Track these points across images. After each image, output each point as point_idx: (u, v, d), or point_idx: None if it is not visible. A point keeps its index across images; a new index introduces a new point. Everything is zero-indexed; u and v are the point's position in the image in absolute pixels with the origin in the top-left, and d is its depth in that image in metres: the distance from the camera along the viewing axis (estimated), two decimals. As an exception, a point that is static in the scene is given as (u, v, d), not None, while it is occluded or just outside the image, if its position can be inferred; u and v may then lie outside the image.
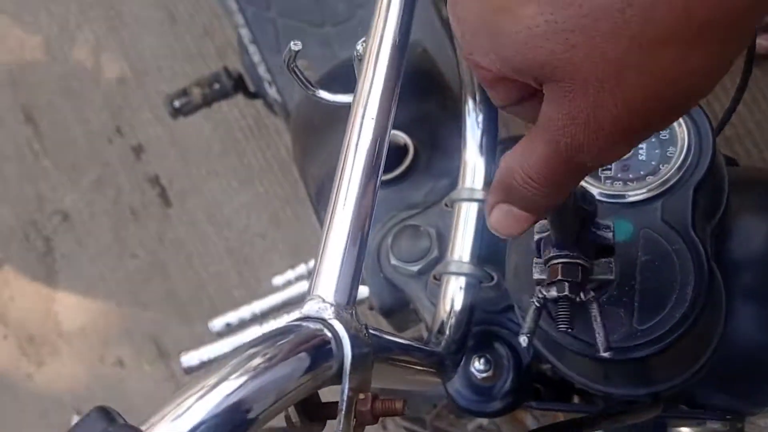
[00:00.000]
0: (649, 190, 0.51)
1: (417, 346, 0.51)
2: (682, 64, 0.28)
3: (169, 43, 1.86)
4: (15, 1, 1.96)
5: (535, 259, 0.44)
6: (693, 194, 0.50)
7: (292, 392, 0.31)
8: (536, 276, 0.43)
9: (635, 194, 0.51)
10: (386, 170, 0.74)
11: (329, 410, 0.34)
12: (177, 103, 1.35)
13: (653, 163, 0.52)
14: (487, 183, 0.63)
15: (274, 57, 1.15)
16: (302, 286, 1.14)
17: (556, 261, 0.41)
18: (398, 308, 0.71)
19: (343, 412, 0.32)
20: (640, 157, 0.53)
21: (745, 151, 1.40)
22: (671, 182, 0.50)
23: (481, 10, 0.30)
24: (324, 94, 0.44)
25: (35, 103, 1.96)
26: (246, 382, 0.29)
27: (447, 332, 0.57)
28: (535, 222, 0.37)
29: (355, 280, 0.35)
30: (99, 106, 1.91)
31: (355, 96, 0.37)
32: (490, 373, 0.61)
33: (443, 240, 0.65)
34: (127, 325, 1.90)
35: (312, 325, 0.33)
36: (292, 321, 0.33)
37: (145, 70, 1.87)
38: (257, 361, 0.30)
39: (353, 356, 0.33)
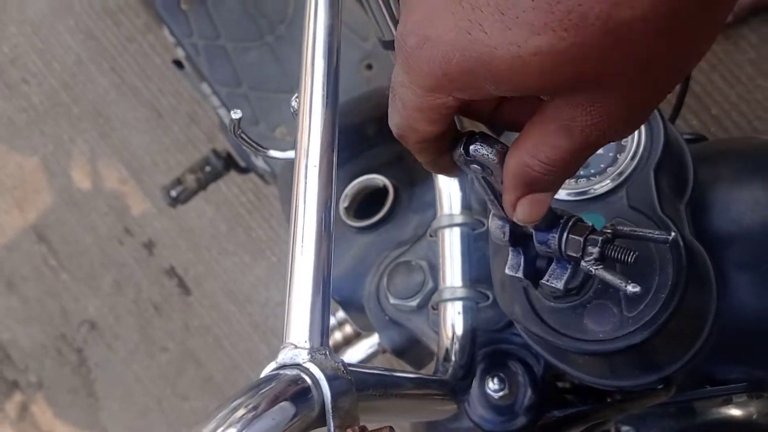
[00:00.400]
0: (612, 180, 0.52)
1: (423, 377, 0.51)
2: (695, 41, 0.30)
3: (159, 137, 1.91)
4: (8, 128, 2.03)
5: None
6: (654, 176, 0.51)
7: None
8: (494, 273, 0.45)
9: (600, 187, 0.52)
10: (370, 214, 0.76)
11: (323, 452, 0.34)
12: (174, 193, 1.38)
13: (611, 154, 0.53)
14: (465, 206, 0.65)
15: (254, 129, 1.18)
16: (336, 337, 1.15)
17: (579, 234, 0.43)
18: (409, 346, 0.72)
19: (333, 450, 0.33)
20: (598, 152, 0.54)
21: (735, 125, 1.40)
22: (630, 169, 0.51)
23: (475, 50, 0.30)
24: (274, 153, 0.46)
25: (44, 221, 2.01)
26: (232, 438, 0.30)
27: (453, 358, 0.58)
28: (554, 196, 0.38)
29: (325, 321, 0.36)
30: (104, 211, 1.95)
31: (296, 148, 0.39)
32: (506, 391, 0.61)
33: (435, 270, 0.66)
34: (171, 419, 1.90)
35: (289, 372, 0.34)
36: (269, 372, 0.34)
37: (142, 168, 1.92)
38: (241, 412, 0.31)
39: (333, 394, 0.34)
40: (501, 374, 0.62)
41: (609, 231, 0.44)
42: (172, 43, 1.26)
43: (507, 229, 0.45)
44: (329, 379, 0.34)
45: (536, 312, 0.51)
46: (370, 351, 0.93)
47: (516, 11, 0.28)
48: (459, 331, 0.59)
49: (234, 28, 1.20)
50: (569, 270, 0.46)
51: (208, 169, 1.38)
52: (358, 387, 0.37)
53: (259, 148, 0.46)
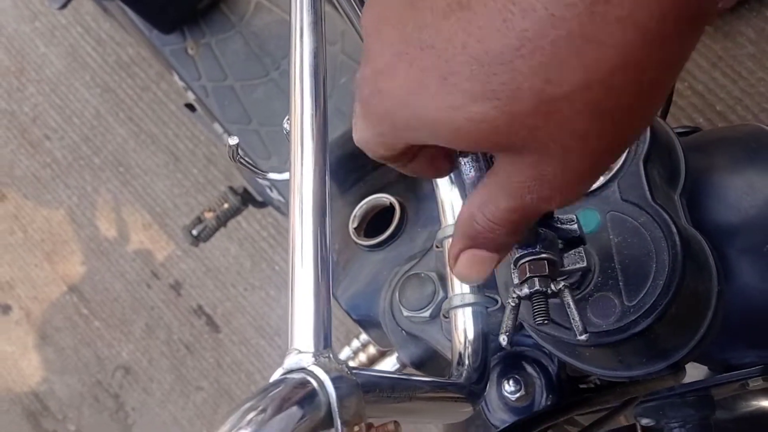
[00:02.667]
0: (603, 176, 0.53)
1: (437, 380, 0.53)
2: (636, 117, 0.31)
3: (179, 180, 1.96)
4: (34, 184, 2.09)
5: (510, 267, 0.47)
6: (644, 167, 0.52)
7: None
8: (513, 280, 0.45)
9: (592, 183, 0.53)
10: (378, 232, 0.78)
11: (333, 450, 0.36)
12: (195, 232, 1.42)
13: (601, 150, 0.55)
14: (468, 215, 0.67)
15: (267, 163, 1.21)
16: (361, 359, 1.16)
17: (522, 260, 0.44)
18: (427, 358, 0.73)
19: (342, 447, 0.35)
20: (588, 149, 0.56)
21: (740, 119, 1.41)
22: (620, 163, 0.53)
23: (418, 108, 0.31)
24: (272, 175, 0.48)
25: (74, 272, 2.06)
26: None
27: (467, 362, 0.59)
28: (500, 261, 0.39)
29: (327, 325, 0.38)
30: (131, 257, 2.00)
31: (291, 164, 0.42)
32: (523, 392, 0.62)
33: (445, 280, 0.68)
34: (209, 457, 1.92)
35: (295, 376, 0.36)
36: (276, 377, 0.36)
37: (164, 212, 1.97)
38: (251, 415, 0.33)
39: (338, 394, 0.35)
40: (516, 376, 0.63)
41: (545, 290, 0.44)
42: (182, 87, 1.30)
43: None
44: (334, 381, 0.36)
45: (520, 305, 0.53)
46: (394, 368, 0.95)
47: (456, 78, 0.30)
48: (471, 335, 0.60)
49: (240, 68, 1.24)
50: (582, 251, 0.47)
51: (225, 206, 1.42)
52: (365, 389, 0.39)
53: (258, 171, 0.48)
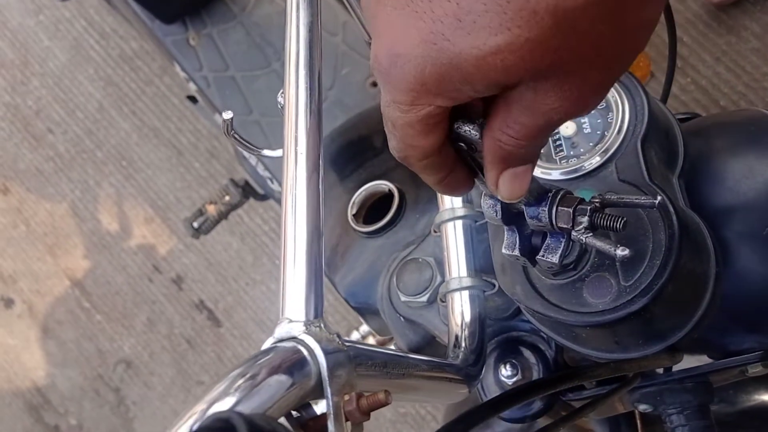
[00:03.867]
0: (600, 156, 0.53)
1: (433, 360, 0.52)
2: (640, 17, 0.32)
3: (181, 174, 1.96)
4: (37, 177, 2.10)
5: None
6: (641, 148, 0.52)
7: (275, 409, 0.33)
8: (495, 256, 0.45)
9: (589, 164, 0.53)
10: (377, 219, 0.78)
11: (324, 419, 0.36)
12: (196, 224, 1.42)
13: (598, 132, 0.55)
14: (466, 200, 0.66)
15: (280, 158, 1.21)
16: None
17: (561, 199, 0.44)
18: (424, 344, 0.73)
19: (331, 416, 0.35)
20: (586, 131, 0.55)
21: (745, 113, 1.40)
22: (617, 143, 0.52)
23: (442, 58, 0.32)
24: (267, 152, 0.48)
25: (76, 265, 2.06)
26: (232, 405, 0.32)
27: (464, 344, 0.59)
28: (534, 167, 0.40)
29: (318, 295, 0.37)
30: (133, 250, 2.00)
31: (284, 138, 0.41)
32: (519, 377, 0.62)
33: (442, 265, 0.67)
34: (209, 451, 1.92)
35: (285, 345, 0.36)
36: (267, 346, 0.36)
37: (166, 206, 1.97)
38: (240, 382, 0.33)
39: (329, 364, 0.35)
40: (513, 360, 0.63)
41: (597, 200, 0.45)
42: (184, 78, 1.30)
43: (498, 207, 0.46)
44: (325, 350, 0.36)
45: (537, 290, 0.52)
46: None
47: (472, 17, 0.31)
48: (468, 318, 0.60)
49: (242, 59, 1.24)
50: (563, 243, 0.47)
51: (227, 198, 1.41)
52: (357, 362, 0.38)
53: (252, 147, 0.48)
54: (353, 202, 0.79)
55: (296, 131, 0.41)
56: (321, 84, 0.43)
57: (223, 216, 1.44)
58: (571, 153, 0.55)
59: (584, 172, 0.53)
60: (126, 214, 2.01)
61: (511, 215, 0.47)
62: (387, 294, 0.72)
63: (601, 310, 0.49)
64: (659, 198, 0.45)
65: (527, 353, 0.64)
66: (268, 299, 1.88)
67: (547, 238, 0.48)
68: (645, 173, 0.51)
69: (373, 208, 0.81)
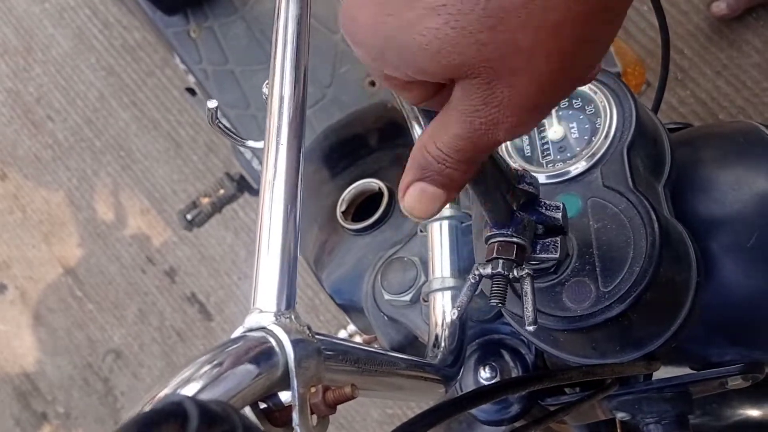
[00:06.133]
0: (586, 161, 0.53)
1: (410, 358, 0.52)
2: (580, 38, 0.31)
3: (179, 167, 1.96)
4: (34, 164, 2.10)
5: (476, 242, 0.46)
6: (627, 155, 0.52)
7: (239, 397, 0.33)
8: (477, 256, 0.45)
9: (575, 168, 0.53)
10: (365, 216, 0.78)
11: (289, 411, 0.36)
12: (189, 216, 1.41)
13: (585, 137, 0.55)
14: (453, 200, 0.66)
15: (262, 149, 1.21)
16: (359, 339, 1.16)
17: (492, 240, 0.43)
18: (407, 342, 0.73)
19: (297, 407, 0.35)
20: (573, 135, 0.55)
21: (742, 128, 1.40)
22: (603, 149, 0.52)
23: (383, 30, 0.32)
24: (250, 143, 0.48)
25: (70, 254, 2.06)
26: (196, 392, 0.32)
27: (443, 344, 0.59)
28: (447, 202, 0.39)
29: (291, 287, 0.37)
30: (127, 241, 2.00)
31: (267, 129, 0.41)
32: (498, 379, 0.62)
33: (428, 265, 0.67)
34: (195, 445, 1.91)
35: (254, 335, 0.36)
36: (236, 335, 0.36)
37: (163, 198, 1.97)
38: (205, 369, 0.33)
39: (297, 355, 0.35)
40: (493, 363, 0.62)
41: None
42: (183, 70, 1.30)
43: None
44: (294, 341, 0.35)
45: (517, 293, 0.52)
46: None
47: None
48: (449, 318, 0.60)
49: (241, 53, 1.24)
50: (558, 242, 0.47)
51: (221, 192, 1.42)
52: (328, 355, 0.38)
53: (236, 137, 0.48)
54: (343, 199, 0.79)
55: (279, 122, 0.41)
56: (307, 77, 0.43)
57: (216, 209, 1.44)
58: (558, 157, 0.55)
59: (570, 176, 0.53)
60: (122, 205, 2.01)
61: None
62: (371, 292, 0.72)
63: (579, 315, 0.49)
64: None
65: (507, 356, 0.63)
66: (260, 295, 1.88)
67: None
68: (629, 180, 0.51)
69: (363, 207, 0.80)
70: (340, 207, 0.80)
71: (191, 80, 1.30)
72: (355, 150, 0.90)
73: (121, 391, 2.01)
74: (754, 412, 0.89)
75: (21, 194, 2.12)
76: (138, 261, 1.99)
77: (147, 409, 0.25)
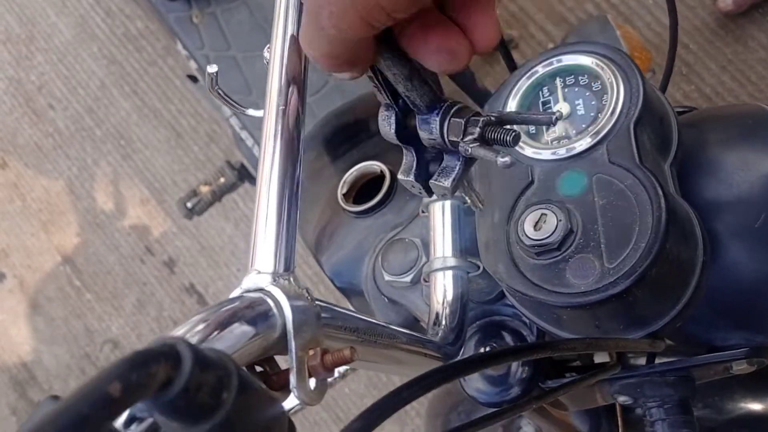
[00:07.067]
0: (591, 137, 0.52)
1: (410, 333, 0.51)
2: None
3: (179, 157, 1.95)
4: (35, 153, 2.09)
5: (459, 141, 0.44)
6: (634, 130, 0.51)
7: (235, 357, 0.32)
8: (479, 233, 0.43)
9: (580, 145, 0.52)
10: (366, 198, 0.77)
11: (287, 374, 0.35)
12: (189, 204, 1.41)
13: (591, 114, 0.54)
14: (456, 180, 0.65)
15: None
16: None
17: (461, 116, 0.42)
18: (407, 324, 0.72)
19: (294, 370, 0.34)
20: (579, 112, 0.54)
21: (747, 123, 1.39)
22: (610, 125, 0.51)
23: None
24: (251, 111, 0.47)
25: (69, 243, 2.05)
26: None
27: (443, 322, 0.58)
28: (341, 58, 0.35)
29: (290, 249, 0.36)
30: (126, 231, 1.99)
31: (267, 93, 0.41)
32: (499, 360, 0.61)
33: (429, 247, 0.67)
34: (192, 436, 1.91)
35: (252, 295, 0.35)
36: (232, 296, 0.35)
37: (163, 188, 1.96)
38: (200, 327, 0.32)
39: (295, 318, 0.34)
40: (494, 344, 0.62)
41: (494, 115, 0.43)
42: (185, 56, 1.29)
43: (393, 119, 0.44)
44: (292, 303, 0.35)
45: (519, 270, 0.52)
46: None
47: None
48: (449, 297, 0.59)
49: (244, 39, 1.23)
50: (458, 166, 0.45)
51: (222, 180, 1.41)
52: (326, 321, 0.37)
53: (237, 105, 0.47)
54: (344, 182, 0.79)
55: (279, 86, 0.41)
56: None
57: (217, 198, 1.43)
58: (563, 134, 0.54)
59: (574, 153, 0.52)
60: (122, 194, 2.01)
61: (408, 134, 0.45)
62: (372, 274, 0.71)
63: (583, 291, 0.48)
64: (556, 114, 0.43)
65: (508, 338, 0.63)
66: (259, 287, 1.88)
67: (444, 160, 0.45)
68: (636, 156, 0.50)
69: (364, 190, 0.80)
70: (341, 189, 0.79)
71: (193, 66, 1.30)
72: (356, 134, 0.89)
73: (118, 381, 2.00)
74: (756, 406, 0.88)
75: (21, 183, 2.11)
76: (137, 251, 1.98)
77: (138, 349, 0.24)
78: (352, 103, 1.00)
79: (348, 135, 0.89)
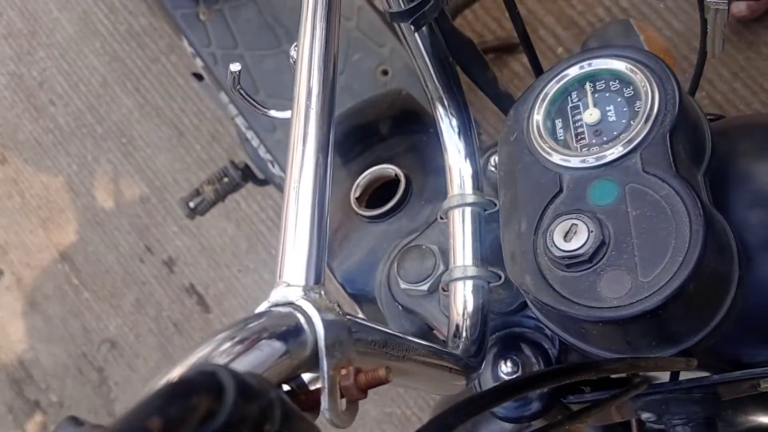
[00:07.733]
0: (624, 146, 0.50)
1: (433, 346, 0.49)
2: None
3: (181, 155, 1.93)
4: (35, 149, 2.06)
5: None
6: (670, 139, 0.49)
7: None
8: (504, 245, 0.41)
9: (611, 153, 0.50)
10: (381, 203, 0.75)
11: (317, 394, 0.33)
12: (192, 204, 1.38)
13: (623, 121, 0.52)
14: (476, 186, 0.63)
15: (271, 136, 1.18)
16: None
17: None
18: (421, 334, 0.70)
19: (326, 390, 0.32)
20: (610, 119, 0.53)
21: (759, 131, 1.37)
22: (644, 133, 0.49)
23: None
24: (274, 113, 0.45)
25: (68, 241, 2.03)
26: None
27: (464, 334, 0.56)
28: None
29: (321, 260, 0.34)
30: (126, 229, 1.97)
31: (295, 94, 0.38)
32: (519, 374, 0.59)
33: (446, 255, 0.65)
34: (189, 439, 1.88)
35: (281, 310, 0.33)
36: (260, 310, 0.33)
37: (164, 186, 1.94)
38: (226, 346, 0.30)
39: (327, 334, 0.32)
40: (514, 357, 0.60)
41: None
42: (191, 53, 1.27)
43: None
44: (324, 319, 0.33)
45: (548, 282, 0.50)
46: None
47: None
48: (470, 308, 0.57)
49: (252, 37, 1.21)
50: None
51: (225, 180, 1.39)
52: (356, 337, 0.35)
53: (259, 106, 0.45)
54: (357, 185, 0.76)
55: (309, 86, 0.39)
56: (338, 38, 0.40)
57: (220, 198, 1.41)
58: (593, 141, 0.52)
59: (605, 161, 0.50)
60: (122, 192, 1.98)
61: None
62: (386, 281, 0.69)
63: (615, 306, 0.46)
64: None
65: (529, 351, 0.61)
66: (260, 288, 1.85)
67: None
68: (672, 165, 0.48)
69: (377, 194, 0.78)
70: (354, 193, 0.77)
71: (199, 64, 1.27)
72: (369, 136, 0.87)
73: (115, 381, 1.98)
74: (766, 419, 0.86)
75: (20, 179, 2.09)
76: (136, 250, 1.96)
77: (174, 377, 0.22)
78: (363, 104, 0.98)
79: (360, 137, 0.87)
